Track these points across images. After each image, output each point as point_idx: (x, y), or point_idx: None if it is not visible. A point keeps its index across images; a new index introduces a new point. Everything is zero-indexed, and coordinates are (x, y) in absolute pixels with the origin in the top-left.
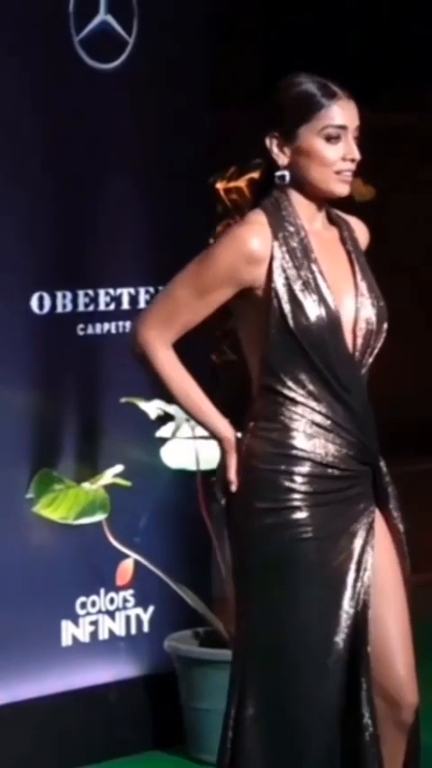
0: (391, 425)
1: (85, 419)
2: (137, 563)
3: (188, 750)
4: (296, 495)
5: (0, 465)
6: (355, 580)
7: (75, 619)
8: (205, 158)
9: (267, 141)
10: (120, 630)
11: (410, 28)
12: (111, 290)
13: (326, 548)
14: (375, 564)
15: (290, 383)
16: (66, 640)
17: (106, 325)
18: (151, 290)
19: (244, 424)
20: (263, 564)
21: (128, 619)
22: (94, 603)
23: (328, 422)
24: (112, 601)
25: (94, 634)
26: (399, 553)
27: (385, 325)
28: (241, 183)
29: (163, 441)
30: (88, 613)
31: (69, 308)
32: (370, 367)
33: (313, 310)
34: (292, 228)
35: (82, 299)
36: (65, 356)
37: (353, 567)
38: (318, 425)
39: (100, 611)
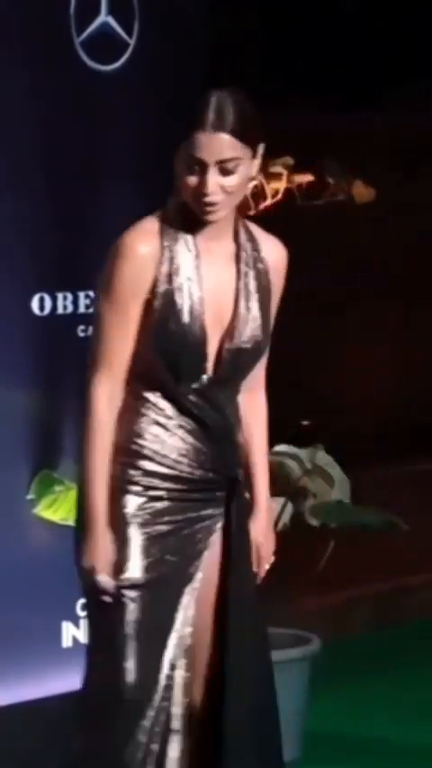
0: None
1: None
2: None
3: None
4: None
5: (0, 466)
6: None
7: (75, 620)
8: None
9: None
10: None
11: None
12: None
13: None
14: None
15: (149, 387)
16: (66, 641)
17: None
18: None
19: None
20: None
21: None
22: None
23: (172, 424)
24: None
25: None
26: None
27: (259, 348)
28: None
29: None
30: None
31: (70, 309)
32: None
33: (178, 321)
34: (180, 238)
35: (83, 301)
36: (65, 357)
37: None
38: (162, 427)
39: None
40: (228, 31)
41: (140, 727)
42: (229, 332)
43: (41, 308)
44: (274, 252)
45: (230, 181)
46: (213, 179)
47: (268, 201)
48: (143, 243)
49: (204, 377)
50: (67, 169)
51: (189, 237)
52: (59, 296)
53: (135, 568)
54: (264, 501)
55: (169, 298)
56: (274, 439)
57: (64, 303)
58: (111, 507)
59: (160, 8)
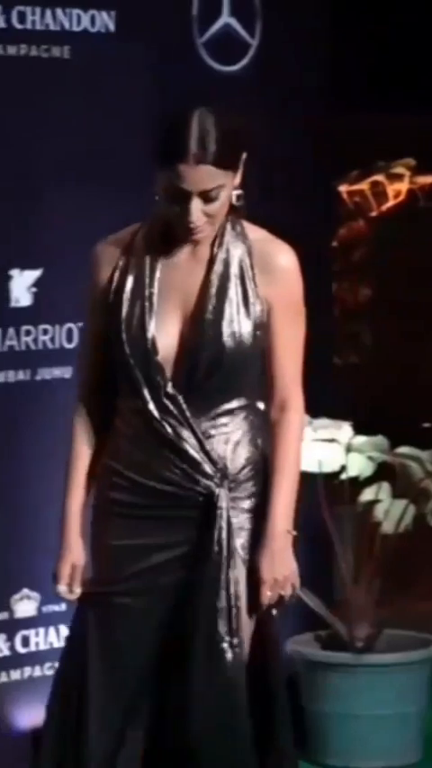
0: None
1: None
2: None
3: (309, 752)
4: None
5: None
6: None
7: None
8: (327, 160)
9: None
10: None
11: None
12: None
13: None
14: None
15: (121, 398)
16: None
17: None
18: None
19: None
20: None
21: None
22: None
23: (136, 438)
24: None
25: None
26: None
27: (237, 356)
28: (364, 185)
29: None
30: None
31: None
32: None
33: (128, 331)
34: (148, 248)
35: None
36: None
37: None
38: (127, 436)
39: None
40: (350, 32)
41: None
42: (191, 339)
43: None
44: (271, 256)
45: (213, 207)
46: (197, 207)
47: (390, 203)
48: (104, 252)
49: (166, 387)
50: None
51: (159, 247)
52: None
53: (96, 582)
54: (272, 524)
55: (117, 308)
56: (397, 440)
57: None
58: (96, 524)
59: (282, 8)
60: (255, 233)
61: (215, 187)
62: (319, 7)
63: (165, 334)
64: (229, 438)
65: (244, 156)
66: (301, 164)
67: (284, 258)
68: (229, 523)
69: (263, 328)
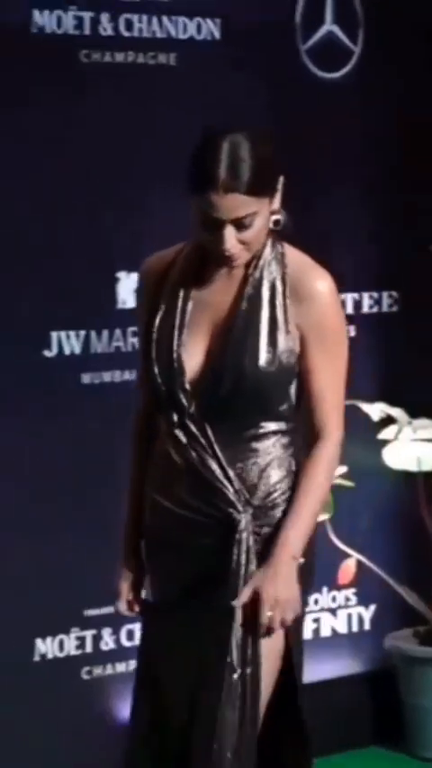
0: None
1: None
2: (359, 562)
3: (407, 746)
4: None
5: None
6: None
7: None
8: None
9: None
10: (342, 628)
11: None
12: None
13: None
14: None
15: (161, 418)
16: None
17: None
18: (375, 294)
19: None
20: None
21: (349, 617)
22: (316, 601)
23: (165, 461)
24: (334, 599)
25: (316, 631)
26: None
27: (262, 380)
28: None
29: (385, 442)
30: (311, 611)
31: None
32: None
33: (160, 348)
34: (190, 262)
35: None
36: None
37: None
38: (160, 458)
39: (323, 609)
40: None
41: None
42: (215, 361)
43: None
44: (305, 283)
45: (248, 234)
46: (230, 235)
47: None
48: (148, 271)
49: (190, 409)
50: (292, 172)
51: (197, 267)
52: None
53: (147, 593)
54: (281, 549)
55: (150, 326)
56: None
57: None
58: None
59: (384, 16)
60: (293, 257)
61: (248, 215)
62: (420, 15)
63: (192, 354)
64: (257, 462)
65: (281, 179)
66: (404, 169)
67: (319, 285)
68: (248, 550)
69: (292, 355)
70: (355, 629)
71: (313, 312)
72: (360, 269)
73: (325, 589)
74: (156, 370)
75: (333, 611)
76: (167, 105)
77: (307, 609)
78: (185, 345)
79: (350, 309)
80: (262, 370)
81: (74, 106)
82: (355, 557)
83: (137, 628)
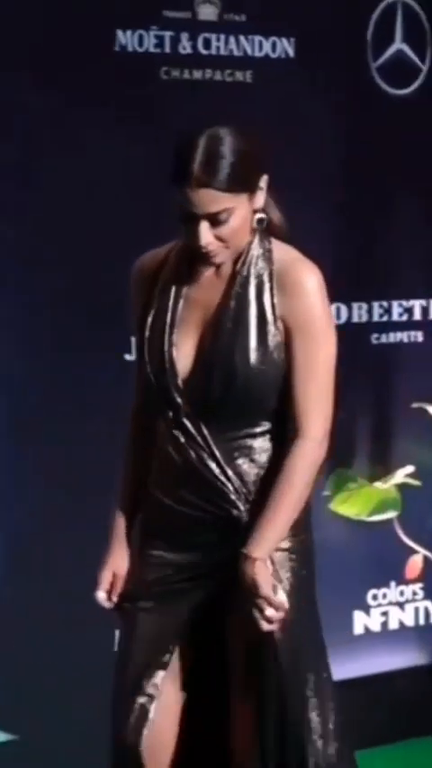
0: None
1: (378, 422)
2: (426, 558)
3: None
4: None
5: None
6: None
7: (366, 609)
8: None
9: None
10: (409, 621)
11: None
12: (404, 302)
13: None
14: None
15: (156, 415)
16: (358, 629)
17: (399, 335)
18: None
19: None
20: None
21: (416, 610)
22: (384, 595)
23: (165, 459)
24: (402, 593)
25: (384, 624)
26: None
27: (253, 377)
28: None
29: None
30: (379, 605)
31: (365, 318)
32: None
33: (152, 347)
34: (176, 267)
35: (377, 310)
36: (360, 363)
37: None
38: (160, 457)
39: (390, 603)
40: None
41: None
42: (206, 359)
43: (338, 316)
44: (292, 277)
45: (224, 230)
46: (205, 230)
47: None
48: (139, 270)
49: (183, 407)
50: (363, 185)
51: (188, 265)
52: (354, 306)
53: (134, 588)
54: (249, 550)
55: (143, 325)
56: None
57: (359, 312)
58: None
59: None
60: (280, 252)
61: (221, 210)
62: None
63: (184, 352)
64: (255, 460)
65: (264, 177)
66: None
67: (306, 278)
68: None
69: (281, 350)
70: (422, 622)
71: (299, 304)
72: (425, 276)
73: (393, 584)
74: (149, 369)
75: (401, 605)
76: (244, 120)
77: (375, 603)
78: (177, 344)
79: (418, 316)
80: (253, 369)
81: (154, 120)
82: (422, 552)
83: None
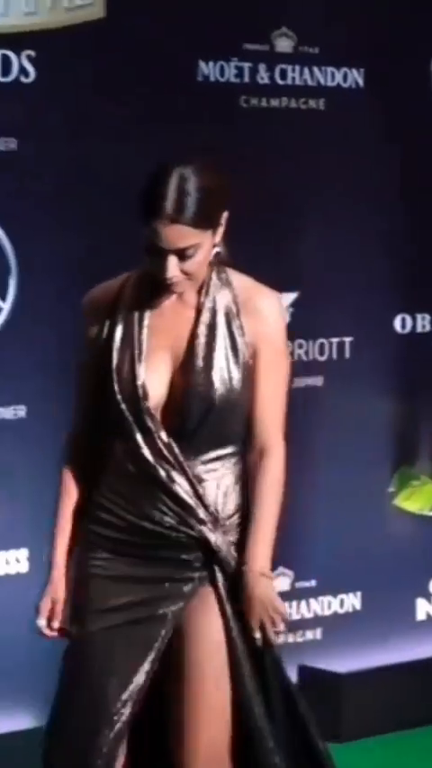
0: None
1: None
2: None
3: None
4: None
5: (367, 464)
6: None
7: (428, 597)
8: None
9: None
10: None
11: None
12: None
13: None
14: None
15: (109, 437)
16: (420, 615)
17: None
18: None
19: None
20: None
21: None
22: None
23: (125, 478)
24: None
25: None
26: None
27: (227, 400)
28: None
29: None
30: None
31: (428, 328)
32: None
33: (121, 375)
34: (136, 296)
35: None
36: (422, 371)
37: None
38: (117, 476)
39: None
40: None
41: None
42: (182, 387)
43: (403, 326)
44: (255, 301)
45: (190, 264)
46: (173, 264)
47: None
48: (92, 303)
49: (159, 433)
50: (428, 208)
51: (148, 295)
52: (419, 316)
53: (80, 621)
54: (252, 571)
55: (108, 356)
56: None
57: (422, 323)
58: (79, 557)
59: None
60: (239, 280)
61: (190, 246)
62: None
63: (155, 380)
64: (219, 483)
65: (225, 214)
66: None
67: (268, 303)
68: (226, 570)
69: (249, 372)
70: None
71: (265, 327)
72: None
73: None
74: (119, 398)
75: None
76: (317, 145)
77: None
78: (147, 372)
79: None
80: (231, 397)
81: (236, 146)
82: None
83: (286, 606)
